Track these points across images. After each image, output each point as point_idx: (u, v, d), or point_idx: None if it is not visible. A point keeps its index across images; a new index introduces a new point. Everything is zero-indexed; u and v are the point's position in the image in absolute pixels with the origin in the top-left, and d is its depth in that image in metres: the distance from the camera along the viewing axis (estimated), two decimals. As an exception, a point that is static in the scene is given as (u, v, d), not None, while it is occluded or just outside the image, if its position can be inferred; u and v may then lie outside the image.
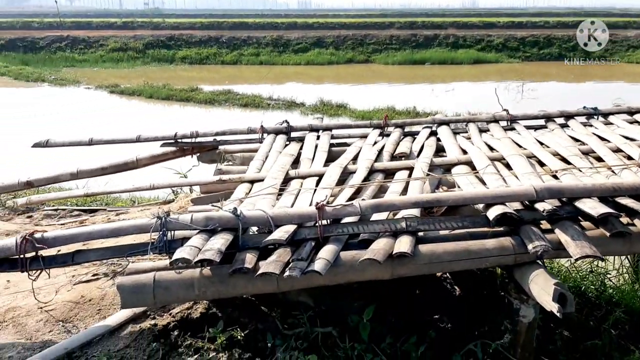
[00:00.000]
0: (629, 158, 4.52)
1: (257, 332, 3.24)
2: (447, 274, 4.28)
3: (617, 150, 4.72)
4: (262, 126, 5.75)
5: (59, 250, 3.26)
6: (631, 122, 5.86)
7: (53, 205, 6.01)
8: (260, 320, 3.33)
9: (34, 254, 3.13)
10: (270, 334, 3.21)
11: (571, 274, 5.34)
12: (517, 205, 3.43)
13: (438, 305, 3.83)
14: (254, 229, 3.35)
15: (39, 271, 3.16)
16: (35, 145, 5.57)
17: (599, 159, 4.58)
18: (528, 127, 5.90)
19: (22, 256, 3.09)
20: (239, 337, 3.16)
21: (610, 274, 5.62)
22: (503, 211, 3.17)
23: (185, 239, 3.14)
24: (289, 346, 3.11)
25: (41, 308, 3.40)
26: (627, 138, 5.04)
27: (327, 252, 3.01)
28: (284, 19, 45.90)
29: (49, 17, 43.97)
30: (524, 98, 20.16)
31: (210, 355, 3.00)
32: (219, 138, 5.77)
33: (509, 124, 5.99)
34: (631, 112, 6.15)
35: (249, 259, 3.01)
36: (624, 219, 3.31)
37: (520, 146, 5.03)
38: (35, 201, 5.77)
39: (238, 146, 5.69)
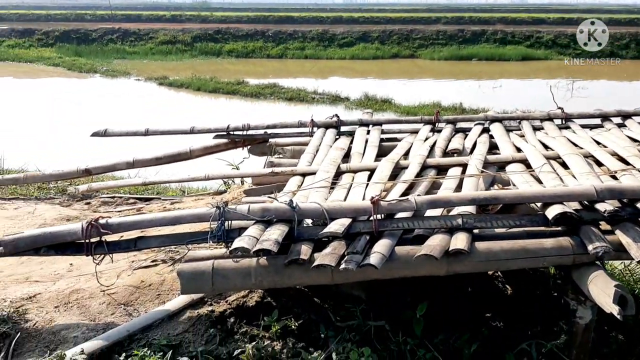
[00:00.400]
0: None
1: (311, 322, 3.28)
2: (499, 273, 4.24)
3: (680, 152, 4.57)
4: (312, 120, 5.80)
5: (121, 236, 3.38)
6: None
7: (108, 193, 6.21)
8: (314, 312, 3.38)
9: (98, 239, 3.26)
10: (324, 325, 3.26)
11: (624, 277, 5.21)
12: (575, 205, 3.37)
13: (489, 304, 3.81)
14: (309, 221, 3.40)
15: (102, 255, 3.28)
16: (94, 134, 5.76)
17: (660, 160, 4.44)
18: (583, 127, 5.77)
19: (87, 241, 3.22)
20: (292, 326, 3.21)
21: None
22: (563, 210, 3.12)
23: (242, 229, 3.21)
24: (342, 338, 3.15)
25: (103, 291, 3.54)
26: (689, 139, 4.88)
27: (382, 246, 3.03)
28: (329, 13, 45.82)
29: (101, 10, 45.12)
30: (573, 96, 19.64)
31: (265, 343, 3.07)
32: (269, 131, 5.85)
33: (563, 122, 5.87)
34: (693, 112, 5.94)
35: (305, 250, 3.06)
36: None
37: (576, 145, 4.93)
38: (96, 188, 5.97)
39: (288, 139, 5.76)
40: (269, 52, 32.82)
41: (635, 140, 5.07)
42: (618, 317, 2.65)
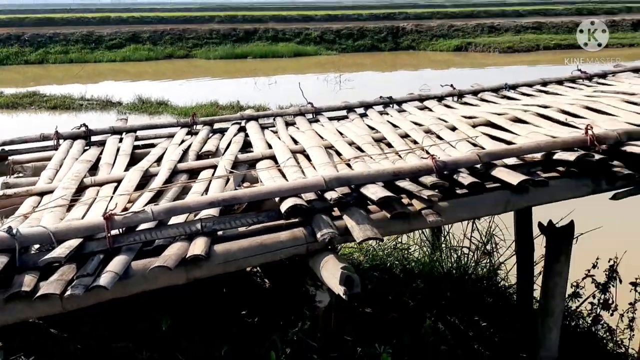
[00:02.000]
0: (415, 142, 4.91)
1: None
2: (257, 269, 4.34)
3: (405, 136, 5.10)
4: (56, 131, 5.33)
5: None
6: (421, 109, 6.39)
7: None
8: (51, 344, 3.09)
9: None
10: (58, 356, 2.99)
11: (378, 253, 5.71)
12: (311, 196, 3.55)
13: (246, 301, 3.86)
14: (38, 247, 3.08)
15: None
16: None
17: (389, 145, 4.91)
18: (332, 119, 6.17)
19: None
20: (24, 366, 2.90)
21: (412, 249, 6.11)
22: (293, 203, 3.26)
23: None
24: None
25: None
26: (415, 124, 5.46)
27: (115, 264, 2.86)
28: (95, 13, 43.00)
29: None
30: (342, 89, 21.14)
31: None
32: (7, 148, 5.23)
33: (314, 116, 6.21)
34: (421, 99, 6.69)
35: (28, 280, 2.76)
36: (405, 200, 3.58)
37: (322, 137, 5.23)
38: None
39: (30, 155, 5.21)
40: (26, 58, 29.64)
41: (372, 129, 5.54)
42: (344, 297, 2.84)
